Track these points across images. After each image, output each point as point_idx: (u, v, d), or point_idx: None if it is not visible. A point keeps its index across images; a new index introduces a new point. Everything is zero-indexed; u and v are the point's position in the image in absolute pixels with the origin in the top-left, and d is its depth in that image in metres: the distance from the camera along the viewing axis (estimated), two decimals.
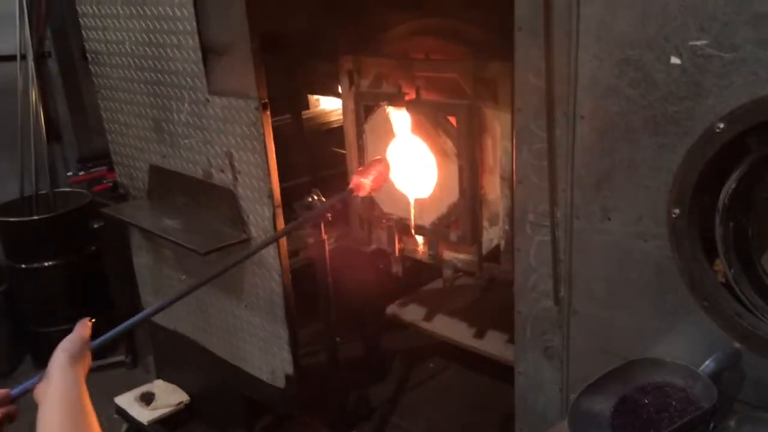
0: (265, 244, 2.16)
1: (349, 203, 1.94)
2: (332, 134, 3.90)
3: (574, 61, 1.59)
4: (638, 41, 1.48)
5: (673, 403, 1.37)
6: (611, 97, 1.56)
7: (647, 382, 1.44)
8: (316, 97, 4.33)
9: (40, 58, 3.55)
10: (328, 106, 4.40)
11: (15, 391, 1.25)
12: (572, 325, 1.83)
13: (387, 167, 1.87)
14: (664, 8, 1.42)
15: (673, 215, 1.52)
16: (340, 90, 3.61)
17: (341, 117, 4.23)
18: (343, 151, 3.38)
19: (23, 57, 3.49)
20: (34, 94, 3.49)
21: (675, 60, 1.44)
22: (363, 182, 1.83)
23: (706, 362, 1.45)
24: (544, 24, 1.60)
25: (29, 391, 1.25)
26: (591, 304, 1.77)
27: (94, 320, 1.33)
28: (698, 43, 1.40)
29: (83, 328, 1.28)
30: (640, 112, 1.52)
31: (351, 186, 1.84)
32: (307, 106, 4.13)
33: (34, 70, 3.48)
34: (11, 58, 3.50)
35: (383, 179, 1.85)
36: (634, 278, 1.65)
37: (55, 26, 3.58)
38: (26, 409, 1.24)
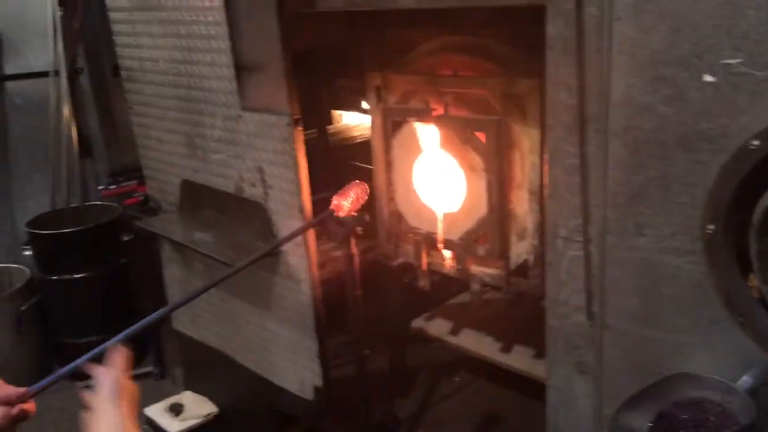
0: (279, 244, 2.22)
1: (327, 223, 2.19)
2: (354, 149, 3.94)
3: (607, 79, 1.61)
4: (672, 59, 1.50)
5: (711, 418, 1.38)
6: (644, 115, 1.58)
7: (684, 398, 1.44)
8: (338, 112, 4.40)
9: (73, 74, 3.63)
10: (351, 121, 4.47)
11: (32, 388, 1.26)
12: (605, 340, 1.83)
13: (365, 191, 2.04)
14: (696, 27, 1.44)
15: (708, 231, 1.53)
16: (364, 106, 3.67)
17: (363, 132, 4.31)
18: (365, 166, 3.41)
19: (56, 73, 3.58)
20: (66, 110, 3.57)
21: (708, 78, 1.45)
22: (343, 203, 2.02)
23: (743, 377, 1.45)
24: (576, 43, 1.62)
25: (45, 389, 1.28)
26: (624, 319, 1.77)
27: (130, 349, 1.33)
28: (731, 61, 1.41)
29: (119, 358, 1.28)
30: (673, 129, 1.54)
31: (331, 207, 2.01)
32: (330, 122, 4.19)
33: (66, 86, 3.55)
34: (45, 74, 3.59)
35: (360, 201, 2.04)
36: (668, 294, 1.66)
37: (88, 43, 3.66)
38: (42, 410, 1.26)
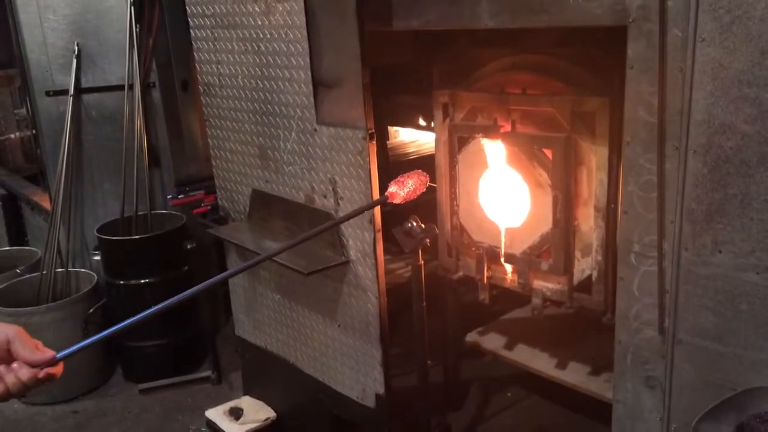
0: (324, 229, 2.21)
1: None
2: (411, 164, 4.01)
3: (688, 98, 1.66)
4: (756, 80, 1.54)
5: None
6: (726, 133, 1.62)
7: (765, 411, 1.46)
8: (394, 128, 4.50)
9: (145, 88, 3.79)
10: (406, 137, 4.57)
11: (61, 354, 1.30)
12: (676, 355, 1.86)
13: (424, 182, 2.03)
14: None
15: None
16: (421, 122, 3.75)
17: (418, 149, 4.41)
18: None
19: (131, 87, 3.74)
20: (138, 122, 3.73)
21: None
22: (397, 192, 2.02)
23: None
24: (659, 63, 1.68)
25: (73, 355, 1.32)
26: (697, 334, 1.80)
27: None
28: None
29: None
30: (755, 148, 1.58)
31: (386, 194, 2.01)
32: (388, 137, 4.29)
33: (139, 99, 3.72)
34: (120, 87, 3.76)
35: (418, 192, 2.02)
36: (745, 310, 1.68)
37: (159, 59, 3.83)
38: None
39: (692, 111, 1.66)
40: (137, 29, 3.69)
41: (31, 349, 1.25)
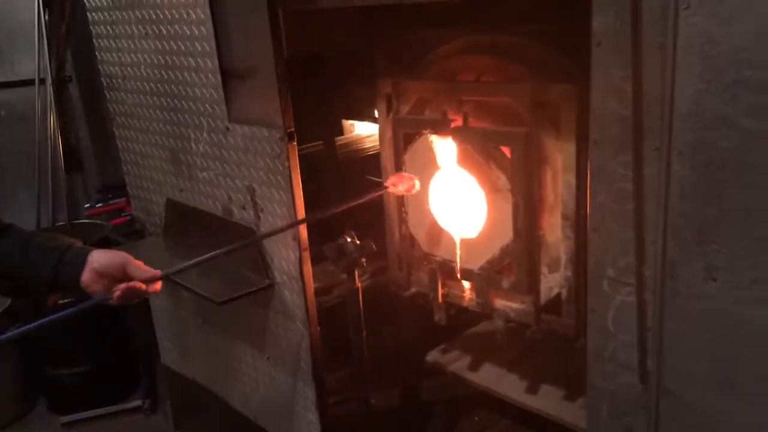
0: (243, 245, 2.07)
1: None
2: (367, 161, 3.67)
3: (670, 84, 1.29)
4: (759, 59, 1.17)
5: None
6: (720, 129, 1.25)
7: None
8: (350, 122, 4.13)
9: (60, 82, 3.37)
10: (364, 131, 4.20)
11: (163, 272, 1.63)
12: (663, 407, 1.49)
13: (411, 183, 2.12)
14: None
15: None
16: (377, 115, 3.38)
17: (376, 144, 4.03)
18: (379, 180, 3.12)
19: (42, 81, 3.32)
20: (52, 121, 3.32)
21: None
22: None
23: None
24: (632, 38, 1.30)
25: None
26: (688, 383, 1.44)
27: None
28: None
29: None
30: (760, 149, 1.21)
31: (386, 184, 2.13)
32: (341, 132, 3.91)
33: (52, 95, 3.30)
34: (30, 82, 3.34)
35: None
36: (748, 355, 1.32)
37: (77, 49, 3.41)
38: None
39: (676, 100, 1.29)
40: (46, 16, 3.24)
41: (143, 270, 1.58)
